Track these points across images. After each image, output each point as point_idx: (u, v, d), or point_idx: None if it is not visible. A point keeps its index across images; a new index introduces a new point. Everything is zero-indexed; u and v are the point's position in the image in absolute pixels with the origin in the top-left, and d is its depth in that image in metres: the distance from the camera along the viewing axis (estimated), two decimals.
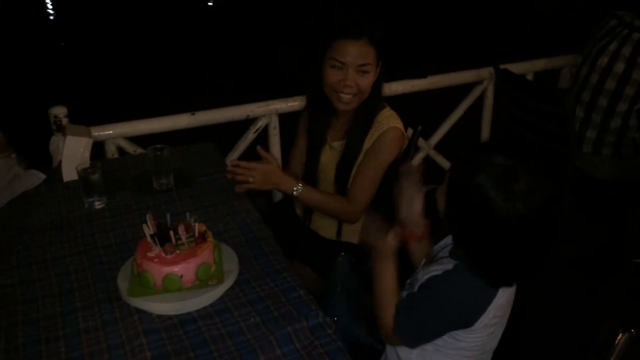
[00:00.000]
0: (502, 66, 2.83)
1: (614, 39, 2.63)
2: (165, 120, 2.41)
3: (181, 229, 1.34)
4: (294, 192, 1.73)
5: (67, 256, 1.55)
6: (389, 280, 1.26)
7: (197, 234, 1.37)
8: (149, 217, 1.38)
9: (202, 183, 1.95)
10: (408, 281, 1.30)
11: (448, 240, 1.30)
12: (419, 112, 2.23)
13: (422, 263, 1.32)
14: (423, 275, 1.22)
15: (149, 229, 1.36)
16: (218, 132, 2.56)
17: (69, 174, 1.97)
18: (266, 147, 2.66)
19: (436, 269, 1.20)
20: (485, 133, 3.14)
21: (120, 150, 2.42)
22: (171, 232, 1.33)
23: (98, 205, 1.79)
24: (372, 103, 1.82)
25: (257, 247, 1.56)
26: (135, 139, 2.45)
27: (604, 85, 2.63)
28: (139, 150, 2.42)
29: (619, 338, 0.97)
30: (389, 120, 1.81)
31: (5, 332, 1.27)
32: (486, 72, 2.97)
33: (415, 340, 1.25)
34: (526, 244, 1.06)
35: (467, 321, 1.18)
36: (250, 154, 2.61)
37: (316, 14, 1.67)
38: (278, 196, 2.68)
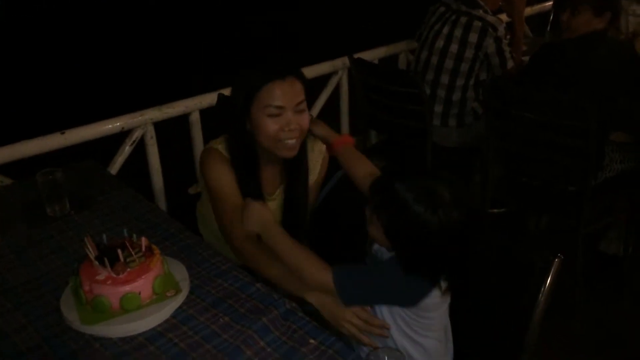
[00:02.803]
0: (355, 55, 3.06)
1: (445, 24, 2.99)
2: (34, 143, 2.22)
3: (129, 246, 1.29)
4: None
5: None
6: (287, 240, 1.38)
7: (144, 249, 1.33)
8: (87, 240, 1.31)
9: (102, 202, 1.85)
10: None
11: None
12: None
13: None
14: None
15: (91, 252, 1.29)
16: (84, 149, 2.41)
17: None
18: (144, 159, 2.58)
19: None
20: (344, 119, 3.36)
21: None
22: (119, 251, 1.28)
23: None
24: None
25: (193, 253, 1.55)
26: None
27: (443, 65, 2.98)
28: (6, 181, 2.20)
29: (554, 263, 1.18)
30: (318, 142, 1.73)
31: None
32: (339, 62, 3.18)
33: (350, 293, 1.30)
34: (455, 247, 1.20)
35: (407, 303, 1.28)
36: (129, 168, 2.52)
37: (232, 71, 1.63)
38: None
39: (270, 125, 1.53)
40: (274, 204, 1.71)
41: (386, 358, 0.99)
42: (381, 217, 1.23)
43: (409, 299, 1.27)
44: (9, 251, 1.60)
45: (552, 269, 1.18)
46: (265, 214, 1.46)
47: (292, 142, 1.56)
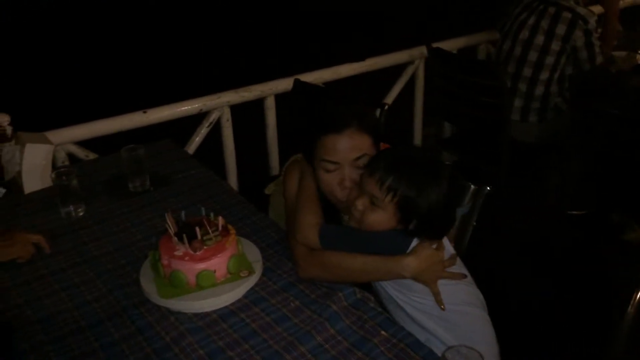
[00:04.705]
0: (433, 45, 2.98)
1: (532, 14, 2.87)
2: (117, 120, 2.31)
3: (206, 224, 1.31)
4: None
5: (67, 269, 1.46)
6: (309, 191, 1.46)
7: (220, 228, 1.35)
8: (168, 216, 1.34)
9: (180, 180, 1.90)
10: None
11: None
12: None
13: None
14: None
15: (171, 228, 1.32)
16: (159, 129, 2.47)
17: (31, 184, 1.84)
18: (219, 140, 2.63)
19: None
20: (418, 109, 3.30)
21: (70, 156, 2.28)
22: (197, 228, 1.30)
23: (80, 212, 1.69)
24: None
25: (266, 236, 1.56)
26: (83, 143, 2.32)
27: (527, 57, 2.86)
28: (91, 155, 2.30)
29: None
30: None
31: (34, 354, 1.18)
32: (417, 52, 3.12)
33: (330, 242, 1.36)
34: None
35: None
36: (205, 148, 2.58)
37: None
38: None
39: (327, 180, 1.43)
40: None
41: (465, 356, 0.96)
42: (397, 194, 1.27)
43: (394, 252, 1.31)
44: (92, 222, 1.67)
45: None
46: (308, 167, 1.50)
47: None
